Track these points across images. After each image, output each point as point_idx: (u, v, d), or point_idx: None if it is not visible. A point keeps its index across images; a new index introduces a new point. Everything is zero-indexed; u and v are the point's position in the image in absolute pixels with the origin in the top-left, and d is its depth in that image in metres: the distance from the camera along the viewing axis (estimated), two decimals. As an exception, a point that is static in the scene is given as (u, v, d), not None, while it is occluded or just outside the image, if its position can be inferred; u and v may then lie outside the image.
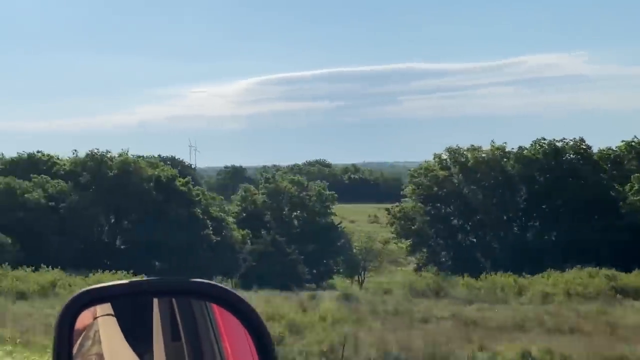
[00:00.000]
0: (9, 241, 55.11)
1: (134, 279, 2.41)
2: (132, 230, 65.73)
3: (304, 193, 74.83)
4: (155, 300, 2.48)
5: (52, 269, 43.75)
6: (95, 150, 68.41)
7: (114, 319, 2.40)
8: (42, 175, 65.85)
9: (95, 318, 2.37)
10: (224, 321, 2.47)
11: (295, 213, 75.06)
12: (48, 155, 73.54)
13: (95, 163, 67.92)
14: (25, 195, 61.60)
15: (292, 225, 73.65)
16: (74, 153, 71.38)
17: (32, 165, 70.07)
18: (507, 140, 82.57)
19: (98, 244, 64.62)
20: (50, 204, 63.00)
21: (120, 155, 69.38)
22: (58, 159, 72.99)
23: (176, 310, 2.52)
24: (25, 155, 72.76)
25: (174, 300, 2.52)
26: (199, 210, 66.40)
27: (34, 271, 42.96)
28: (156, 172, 68.75)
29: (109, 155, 68.81)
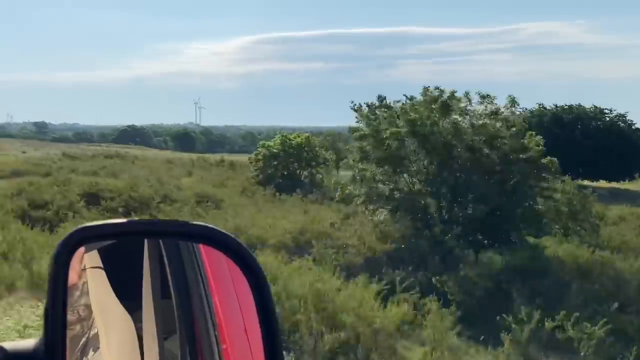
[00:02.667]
0: None
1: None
2: None
3: None
4: (146, 257, 2.44)
5: None
6: None
7: (103, 272, 2.40)
8: None
9: (83, 269, 2.38)
10: (215, 272, 2.39)
11: None
12: None
13: None
14: None
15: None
16: None
17: None
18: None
19: None
20: None
21: None
22: None
23: (167, 267, 2.47)
24: None
25: (165, 256, 2.47)
26: None
27: None
28: None
29: None
